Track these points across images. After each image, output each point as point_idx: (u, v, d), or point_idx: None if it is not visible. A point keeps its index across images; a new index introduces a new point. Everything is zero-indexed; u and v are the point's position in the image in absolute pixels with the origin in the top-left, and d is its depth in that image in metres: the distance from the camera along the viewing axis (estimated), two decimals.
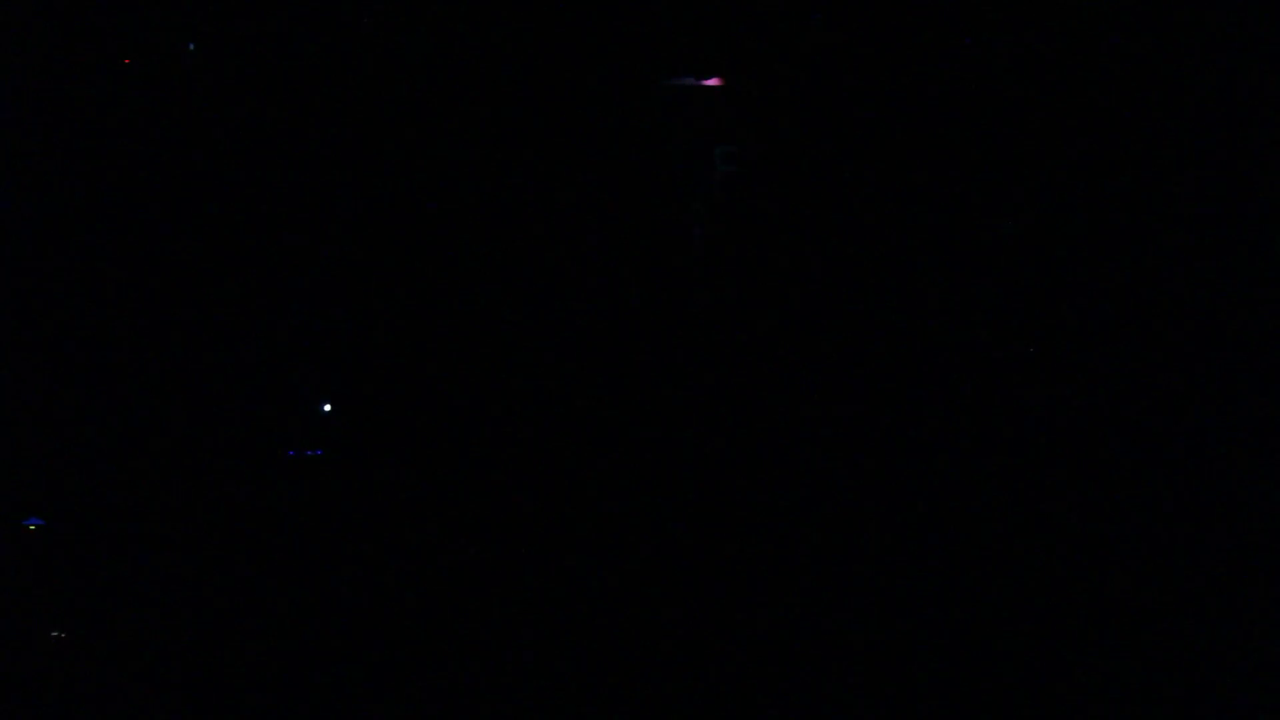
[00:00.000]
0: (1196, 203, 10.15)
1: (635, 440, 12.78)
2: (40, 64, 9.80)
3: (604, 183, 13.54)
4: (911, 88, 12.53)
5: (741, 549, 12.58)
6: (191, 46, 10.47)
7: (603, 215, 13.48)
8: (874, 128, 13.17)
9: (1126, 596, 8.57)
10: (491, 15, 10.61)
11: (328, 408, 10.57)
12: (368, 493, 9.88)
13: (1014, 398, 12.20)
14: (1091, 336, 11.60)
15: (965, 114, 12.36)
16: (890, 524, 12.40)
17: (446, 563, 11.88)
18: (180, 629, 8.46)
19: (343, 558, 9.96)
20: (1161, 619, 8.36)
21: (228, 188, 11.09)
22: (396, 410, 11.05)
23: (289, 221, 11.35)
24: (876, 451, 12.83)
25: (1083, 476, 10.45)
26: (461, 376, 12.85)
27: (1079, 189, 11.66)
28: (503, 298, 13.45)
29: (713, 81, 13.75)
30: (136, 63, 10.24)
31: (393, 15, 10.57)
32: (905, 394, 12.91)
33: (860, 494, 12.69)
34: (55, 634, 8.33)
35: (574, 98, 13.63)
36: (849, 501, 12.40)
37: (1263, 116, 9.90)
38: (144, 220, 10.44)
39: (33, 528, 9.54)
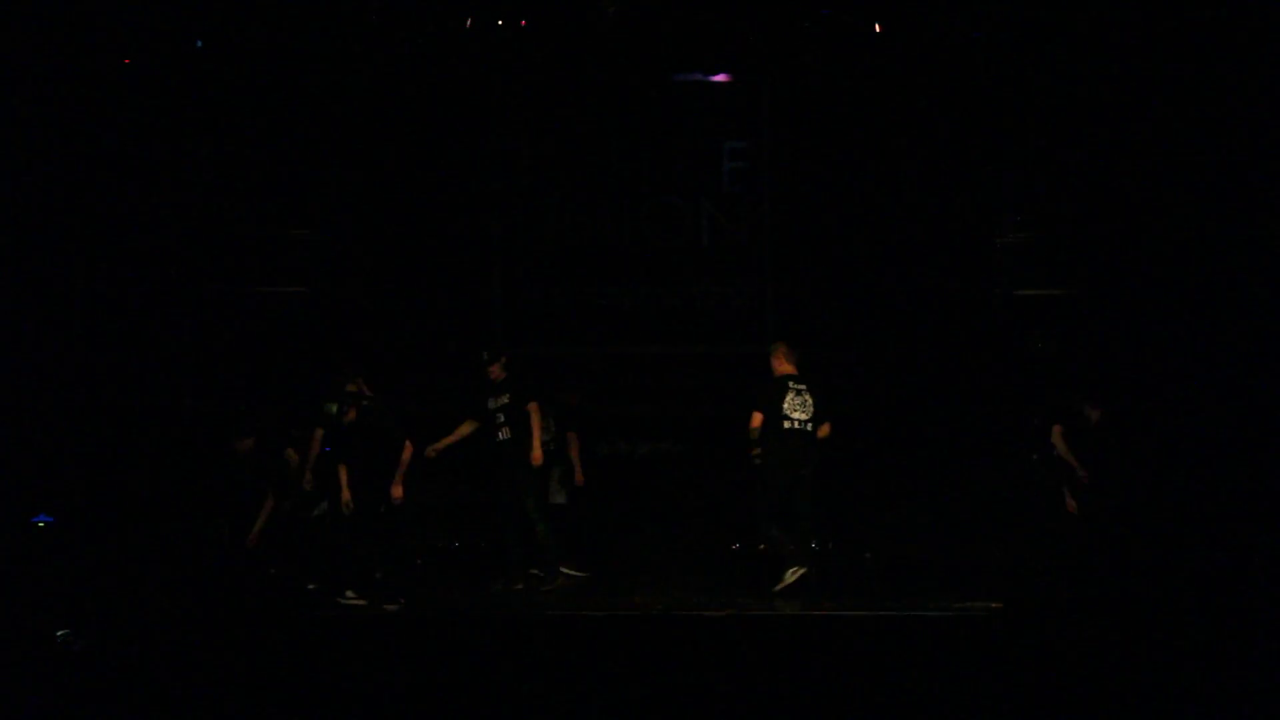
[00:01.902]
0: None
1: (638, 432, 12.79)
2: (46, 63, 9.81)
3: (611, 178, 13.54)
4: (918, 84, 12.50)
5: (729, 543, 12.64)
6: (200, 44, 10.49)
7: (611, 209, 13.48)
8: (881, 125, 13.14)
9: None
10: (496, 14, 10.59)
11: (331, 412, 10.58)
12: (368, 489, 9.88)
13: (1008, 389, 12.21)
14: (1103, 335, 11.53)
15: (972, 110, 12.33)
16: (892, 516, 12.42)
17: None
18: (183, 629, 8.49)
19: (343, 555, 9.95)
20: None
21: (230, 188, 11.11)
22: (410, 400, 11.07)
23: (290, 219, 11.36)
24: (879, 444, 12.85)
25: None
26: (466, 362, 12.87)
27: (1082, 185, 11.62)
28: (515, 290, 13.46)
29: (721, 78, 13.74)
30: (138, 61, 10.25)
31: (398, 13, 10.56)
32: (906, 388, 12.92)
33: (860, 487, 12.72)
34: (61, 633, 8.35)
35: (580, 95, 13.63)
36: (850, 492, 12.44)
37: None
38: (146, 218, 10.45)
39: (41, 525, 9.59)
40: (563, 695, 7.95)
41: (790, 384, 10.26)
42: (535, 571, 10.41)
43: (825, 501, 12.43)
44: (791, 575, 10.05)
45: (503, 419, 10.28)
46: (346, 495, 9.60)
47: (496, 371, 10.38)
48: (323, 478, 10.04)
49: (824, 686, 8.19)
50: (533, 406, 10.29)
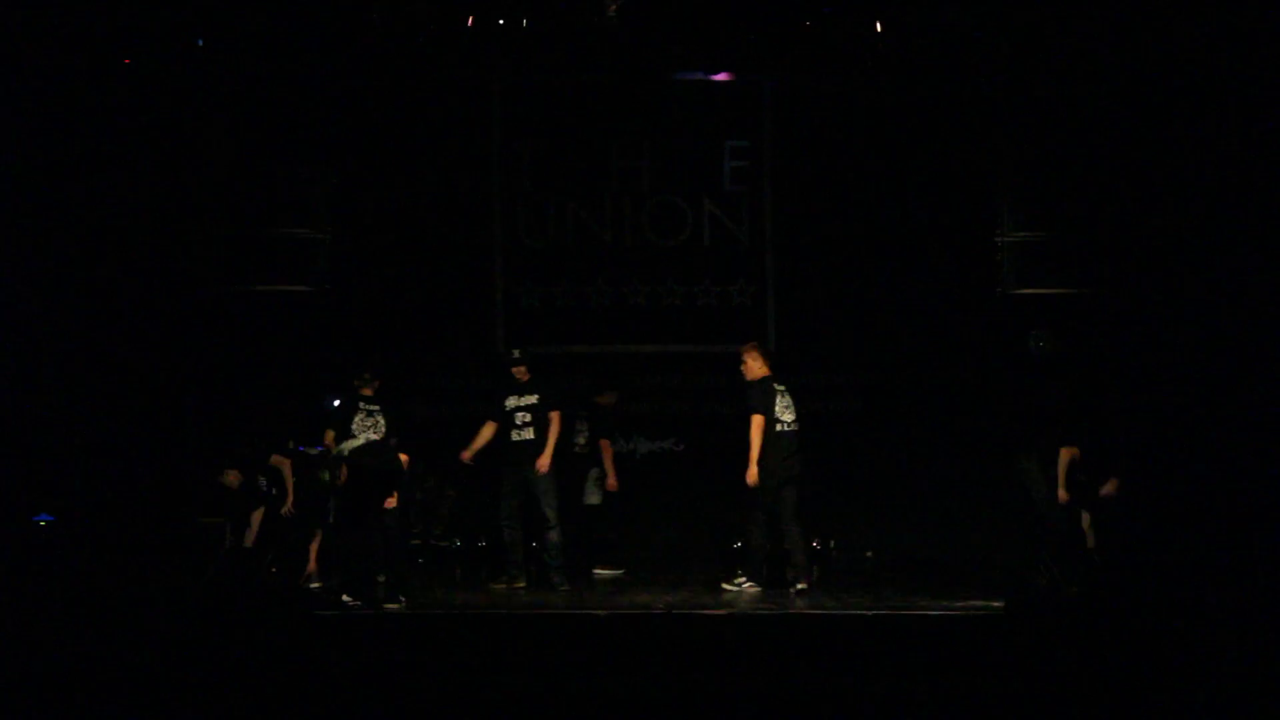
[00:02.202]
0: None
1: (638, 431, 12.77)
2: (47, 62, 9.79)
3: (611, 177, 13.50)
4: (920, 83, 12.45)
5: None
6: (200, 43, 10.47)
7: (612, 208, 13.45)
8: (883, 124, 13.10)
9: None
10: (497, 14, 10.56)
11: (336, 403, 10.58)
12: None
13: (1009, 388, 12.18)
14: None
15: (973, 109, 12.29)
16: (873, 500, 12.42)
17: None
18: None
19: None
20: None
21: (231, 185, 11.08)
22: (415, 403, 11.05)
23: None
24: (879, 443, 12.84)
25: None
26: (465, 361, 12.87)
27: (1085, 184, 11.58)
28: (515, 290, 13.43)
29: (722, 77, 13.69)
30: (137, 61, 10.22)
31: (399, 12, 10.53)
32: (907, 387, 12.89)
33: (860, 486, 12.71)
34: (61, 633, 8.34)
35: (581, 94, 13.59)
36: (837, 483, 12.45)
37: None
38: (146, 218, 10.42)
39: (42, 524, 9.57)
40: (563, 695, 7.96)
41: (775, 385, 10.30)
42: (549, 562, 10.38)
43: (826, 501, 12.48)
44: (749, 587, 10.09)
45: (528, 419, 10.29)
46: (312, 567, 9.72)
47: (523, 372, 10.38)
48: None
49: (825, 686, 8.20)
50: (554, 415, 10.34)
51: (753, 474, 10.03)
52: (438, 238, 12.66)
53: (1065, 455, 10.38)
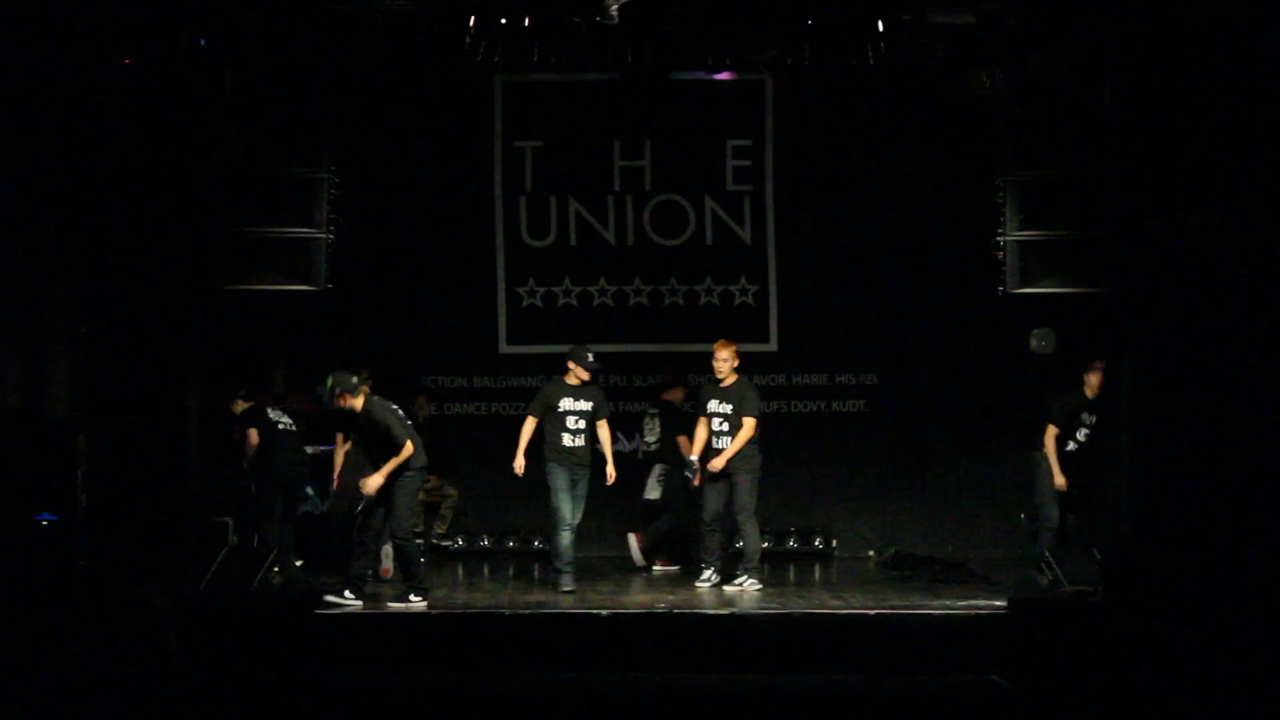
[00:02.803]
0: None
1: (639, 430, 12.76)
2: (48, 62, 9.79)
3: (613, 176, 13.49)
4: (922, 81, 12.44)
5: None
6: (201, 42, 10.45)
7: (615, 208, 13.43)
8: (884, 122, 13.09)
9: None
10: (498, 13, 10.55)
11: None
12: None
13: (1010, 387, 12.18)
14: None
15: (976, 107, 12.27)
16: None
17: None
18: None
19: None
20: None
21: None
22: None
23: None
24: (881, 442, 12.83)
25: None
26: (465, 361, 12.87)
27: (1088, 182, 11.57)
28: (515, 290, 13.42)
29: (724, 75, 13.68)
30: (138, 60, 10.22)
31: (400, 12, 10.52)
32: (909, 386, 12.89)
33: (862, 485, 12.71)
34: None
35: (583, 93, 13.58)
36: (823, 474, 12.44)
37: None
38: (147, 217, 10.43)
39: (45, 523, 9.56)
40: (565, 693, 7.97)
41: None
42: (556, 565, 10.37)
43: (827, 500, 12.50)
44: (750, 586, 10.11)
45: (581, 425, 10.23)
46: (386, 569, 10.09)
47: (585, 376, 10.33)
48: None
49: (825, 686, 8.21)
50: (602, 423, 10.32)
51: (718, 465, 10.12)
52: (438, 237, 12.66)
53: (1050, 441, 10.45)
